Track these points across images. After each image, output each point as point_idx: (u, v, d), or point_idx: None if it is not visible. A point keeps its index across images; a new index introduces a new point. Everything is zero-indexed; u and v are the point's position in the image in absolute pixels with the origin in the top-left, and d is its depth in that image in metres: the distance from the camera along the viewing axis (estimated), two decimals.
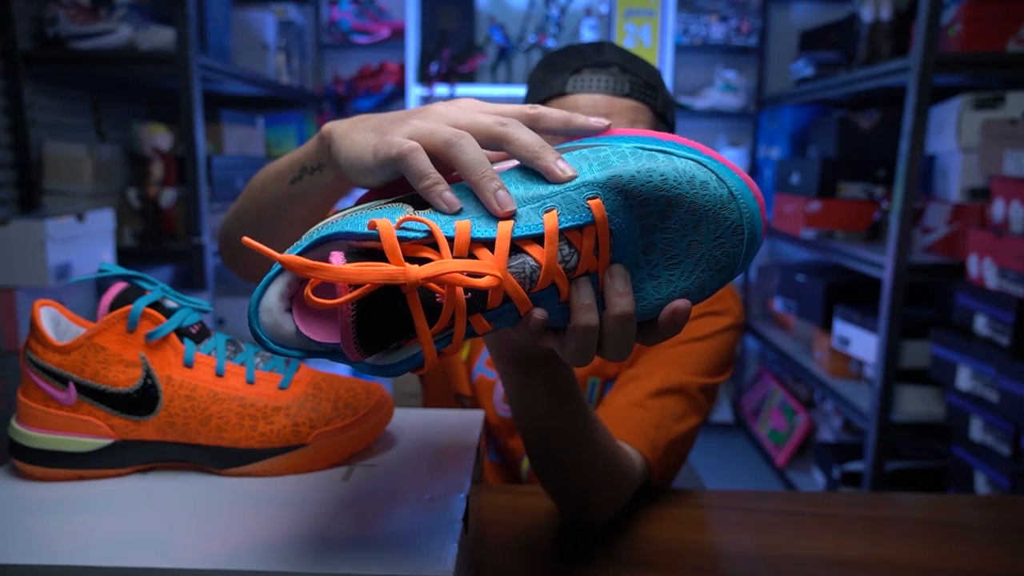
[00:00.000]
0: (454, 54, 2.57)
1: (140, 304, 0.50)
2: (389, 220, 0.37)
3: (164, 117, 1.87)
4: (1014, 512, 0.75)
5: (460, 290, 0.37)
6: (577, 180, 0.40)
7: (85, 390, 0.50)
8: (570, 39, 2.65)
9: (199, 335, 0.53)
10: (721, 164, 0.41)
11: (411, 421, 0.63)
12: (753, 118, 2.71)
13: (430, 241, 0.38)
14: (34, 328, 0.51)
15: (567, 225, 0.39)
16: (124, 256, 1.68)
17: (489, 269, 0.37)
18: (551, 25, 2.58)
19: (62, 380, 0.50)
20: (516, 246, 0.39)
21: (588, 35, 2.58)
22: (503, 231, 0.38)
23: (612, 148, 0.42)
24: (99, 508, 0.47)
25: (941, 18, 1.56)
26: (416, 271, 0.35)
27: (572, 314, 0.40)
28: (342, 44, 2.68)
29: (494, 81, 2.62)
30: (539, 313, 0.39)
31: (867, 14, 1.88)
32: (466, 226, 0.38)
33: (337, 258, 0.37)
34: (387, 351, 0.39)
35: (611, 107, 0.77)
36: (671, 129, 0.85)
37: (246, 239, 0.36)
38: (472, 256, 0.38)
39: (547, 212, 0.39)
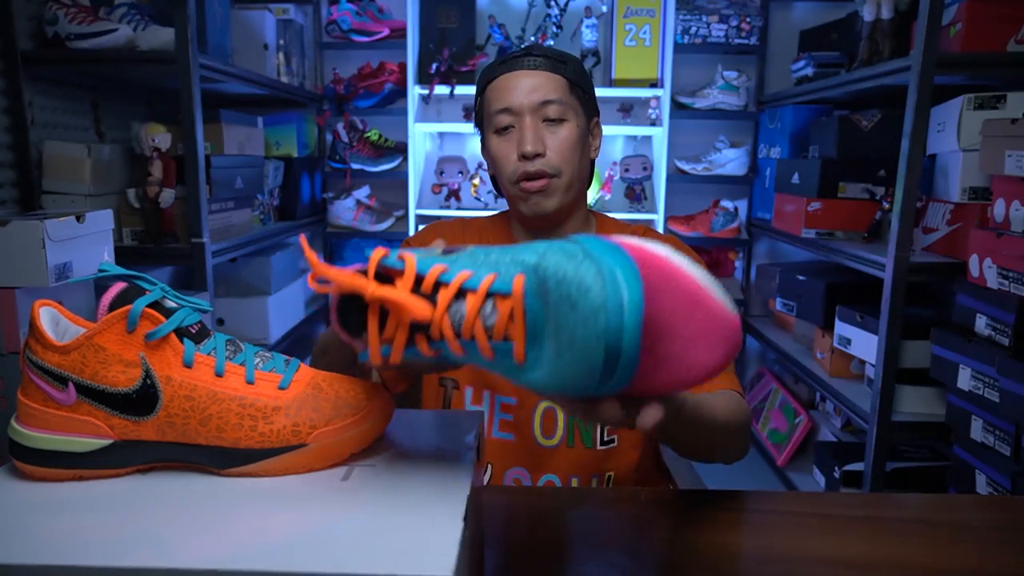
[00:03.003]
0: (454, 53, 2.56)
1: (140, 304, 0.50)
2: (387, 250, 0.48)
3: (164, 117, 1.87)
4: (1015, 512, 0.75)
5: (405, 316, 0.46)
6: (520, 256, 0.46)
7: (85, 390, 0.50)
8: (570, 39, 2.65)
9: (199, 335, 0.53)
10: (631, 297, 0.40)
11: (411, 421, 0.63)
12: (754, 118, 2.71)
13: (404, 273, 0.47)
14: (34, 328, 0.51)
15: (495, 289, 0.45)
16: (124, 256, 1.68)
17: (424, 310, 0.46)
18: (551, 24, 2.58)
19: (62, 380, 0.50)
20: (464, 293, 0.46)
21: (588, 35, 2.58)
22: (455, 279, 0.46)
23: (558, 245, 0.46)
24: (99, 508, 0.47)
25: (942, 18, 1.56)
26: (374, 289, 0.46)
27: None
28: (342, 43, 2.68)
29: None
30: (457, 348, 0.47)
31: (868, 13, 1.88)
32: (438, 269, 0.47)
33: (354, 267, 0.48)
34: (361, 339, 0.51)
35: (529, 78, 0.98)
36: (587, 94, 1.03)
37: (303, 239, 0.51)
38: (433, 292, 0.47)
39: (489, 274, 0.46)
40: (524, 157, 0.97)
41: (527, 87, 0.97)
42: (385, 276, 0.48)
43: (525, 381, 0.46)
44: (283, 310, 2.32)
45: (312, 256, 0.47)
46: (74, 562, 0.41)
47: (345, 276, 0.46)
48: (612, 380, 0.42)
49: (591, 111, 1.04)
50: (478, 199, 2.65)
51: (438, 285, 0.46)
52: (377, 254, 0.48)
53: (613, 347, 0.40)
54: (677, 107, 2.64)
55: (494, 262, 0.47)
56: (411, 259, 0.47)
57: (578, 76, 1.01)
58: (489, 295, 0.45)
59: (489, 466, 0.99)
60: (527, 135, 0.96)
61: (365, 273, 0.48)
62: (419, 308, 0.46)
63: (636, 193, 2.66)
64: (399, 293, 0.46)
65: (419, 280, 0.47)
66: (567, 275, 0.42)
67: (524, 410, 0.97)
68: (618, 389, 0.43)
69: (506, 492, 0.77)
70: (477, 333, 0.46)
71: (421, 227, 2.60)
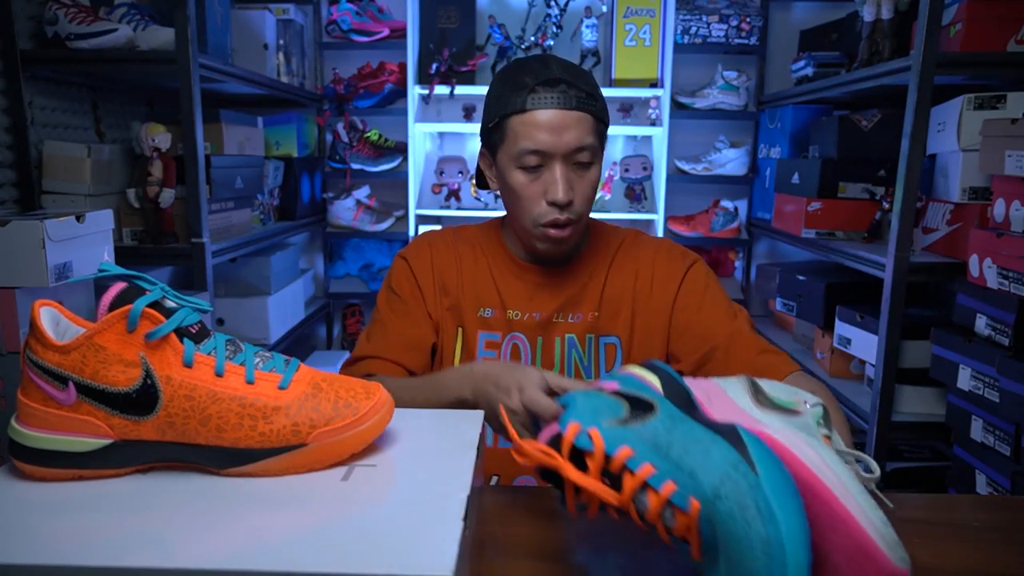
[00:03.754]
0: (454, 53, 2.56)
1: (140, 304, 0.50)
2: (579, 425, 0.54)
3: (164, 117, 1.86)
4: (1015, 512, 0.75)
5: (597, 499, 0.52)
6: (699, 474, 0.47)
7: (85, 390, 0.50)
8: (570, 39, 2.65)
9: (199, 335, 0.53)
10: (799, 537, 0.42)
11: (411, 421, 0.63)
12: (754, 118, 2.71)
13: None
14: (34, 328, 0.51)
15: (675, 501, 0.47)
16: (124, 256, 1.68)
17: (613, 497, 0.50)
18: (551, 25, 2.58)
19: (62, 380, 0.50)
20: (647, 487, 0.49)
21: (588, 35, 2.58)
22: (640, 471, 0.49)
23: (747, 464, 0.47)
24: (99, 508, 0.47)
25: (942, 18, 1.56)
26: (571, 474, 0.52)
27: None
28: (342, 43, 2.67)
29: None
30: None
31: (868, 13, 1.88)
32: (625, 454, 0.50)
33: (551, 430, 0.56)
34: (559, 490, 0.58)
35: (564, 120, 0.92)
36: (607, 128, 0.99)
37: (503, 412, 0.66)
38: (620, 474, 0.50)
39: (667, 480, 0.48)
40: (554, 204, 0.95)
41: (563, 131, 0.92)
42: (577, 451, 0.53)
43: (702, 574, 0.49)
44: (283, 310, 2.32)
45: (513, 433, 0.56)
46: (74, 562, 0.41)
47: (544, 456, 0.53)
48: None
49: (605, 142, 1.02)
50: (478, 199, 2.65)
51: (624, 468, 0.50)
52: (571, 434, 0.53)
53: None
54: (677, 107, 2.64)
55: (675, 461, 0.49)
56: (599, 441, 0.52)
57: (603, 111, 0.97)
58: (668, 503, 0.48)
59: (495, 477, 0.98)
60: (560, 185, 0.93)
61: (558, 443, 0.54)
62: (609, 496, 0.51)
63: (636, 193, 2.66)
64: (593, 483, 0.51)
65: (608, 458, 0.51)
66: (734, 533, 0.44)
67: None
68: None
69: (506, 492, 0.77)
70: (659, 527, 0.49)
71: (421, 228, 2.61)
